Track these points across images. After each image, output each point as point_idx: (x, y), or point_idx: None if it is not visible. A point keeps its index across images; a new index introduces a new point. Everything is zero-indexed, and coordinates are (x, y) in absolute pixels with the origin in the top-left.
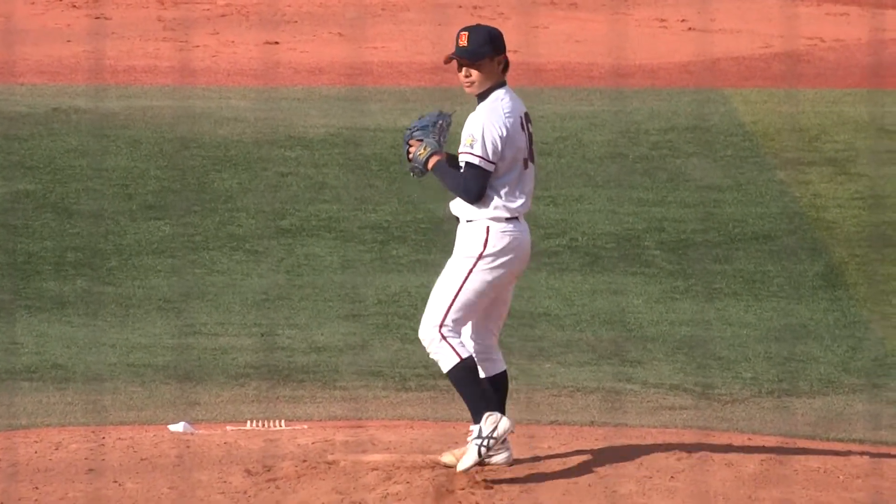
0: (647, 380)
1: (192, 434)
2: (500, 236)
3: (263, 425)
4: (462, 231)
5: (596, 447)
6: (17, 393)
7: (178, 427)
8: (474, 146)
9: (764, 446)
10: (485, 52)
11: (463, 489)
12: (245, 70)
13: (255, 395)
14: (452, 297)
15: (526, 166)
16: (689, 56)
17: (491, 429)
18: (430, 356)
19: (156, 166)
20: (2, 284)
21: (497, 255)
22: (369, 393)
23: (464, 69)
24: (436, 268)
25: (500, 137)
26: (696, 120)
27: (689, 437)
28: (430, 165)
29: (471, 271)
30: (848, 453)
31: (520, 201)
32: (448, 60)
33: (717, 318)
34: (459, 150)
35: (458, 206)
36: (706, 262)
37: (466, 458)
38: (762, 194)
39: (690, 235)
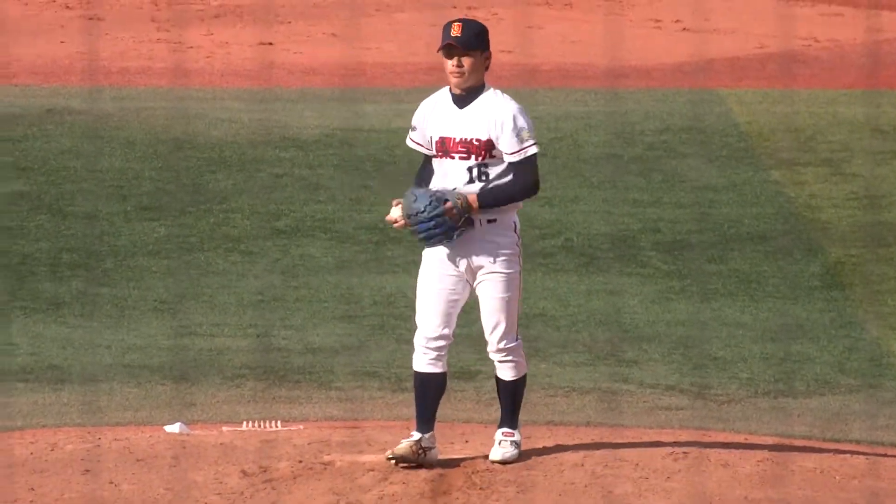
0: (643, 380)
1: (187, 435)
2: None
3: (259, 426)
4: (490, 231)
5: (592, 448)
6: (13, 394)
7: (174, 428)
8: (531, 137)
9: (760, 446)
10: (477, 43)
11: (459, 490)
12: (239, 71)
13: (250, 396)
14: (518, 302)
15: None
16: (684, 56)
17: (520, 441)
18: (504, 360)
19: (150, 167)
20: None
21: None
22: (365, 393)
23: (456, 58)
24: None
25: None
26: (691, 120)
27: (685, 438)
28: (475, 206)
29: (520, 268)
30: (844, 454)
31: None
32: (443, 49)
33: (712, 318)
34: (522, 146)
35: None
36: (702, 262)
37: (507, 452)
38: (757, 194)
39: (686, 236)
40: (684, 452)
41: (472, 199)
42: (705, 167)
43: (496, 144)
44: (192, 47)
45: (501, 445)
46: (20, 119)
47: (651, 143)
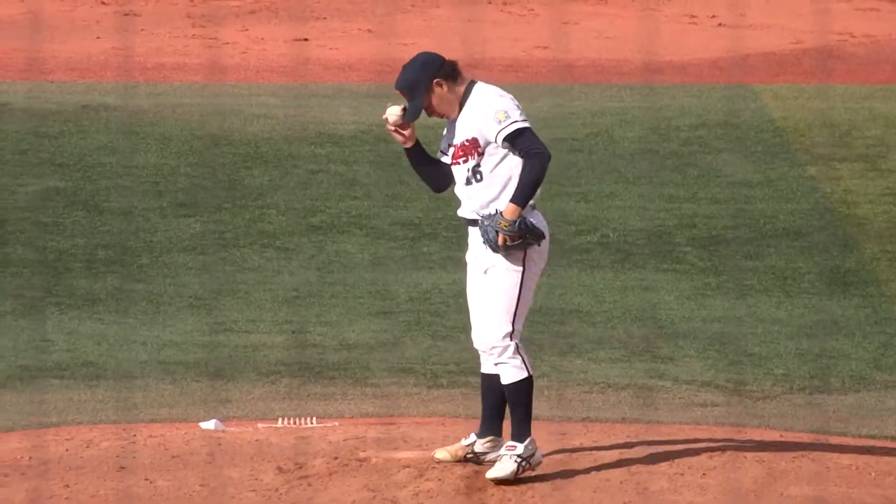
0: (678, 376)
1: (223, 431)
2: (539, 221)
3: (295, 422)
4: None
5: (627, 444)
6: (48, 390)
7: (210, 424)
8: (511, 115)
9: (796, 443)
10: (418, 97)
11: (494, 486)
12: (275, 67)
13: (286, 393)
14: (516, 302)
15: None
16: (720, 52)
17: (530, 453)
18: (496, 362)
19: (186, 163)
20: (33, 282)
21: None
22: (401, 390)
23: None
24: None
25: (516, 102)
26: (727, 116)
27: (720, 434)
28: (515, 214)
29: (524, 268)
30: (880, 450)
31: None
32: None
33: (748, 314)
34: (499, 131)
35: (483, 204)
36: (737, 258)
37: (502, 468)
38: (793, 190)
39: (721, 231)
40: (720, 449)
41: (508, 210)
42: (741, 163)
43: (485, 138)
44: (227, 43)
45: (500, 461)
46: (56, 115)
47: (686, 138)
